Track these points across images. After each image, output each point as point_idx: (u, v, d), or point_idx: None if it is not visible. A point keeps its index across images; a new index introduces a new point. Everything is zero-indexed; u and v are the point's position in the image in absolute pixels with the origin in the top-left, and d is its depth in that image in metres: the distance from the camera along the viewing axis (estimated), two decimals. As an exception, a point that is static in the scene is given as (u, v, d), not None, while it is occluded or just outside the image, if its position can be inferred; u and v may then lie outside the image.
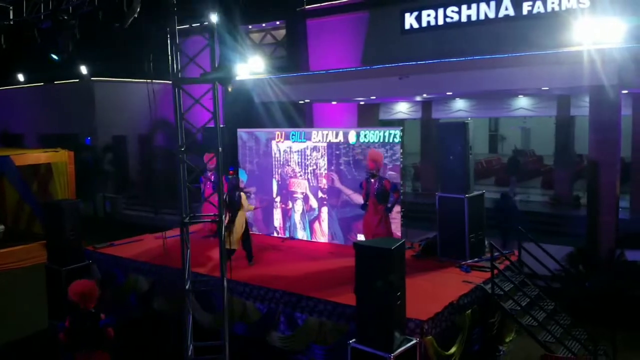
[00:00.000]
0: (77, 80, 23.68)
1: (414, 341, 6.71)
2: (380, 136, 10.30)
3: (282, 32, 24.29)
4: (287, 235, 11.91)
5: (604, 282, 11.02)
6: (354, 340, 6.77)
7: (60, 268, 10.26)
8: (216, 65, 6.26)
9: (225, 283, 6.72)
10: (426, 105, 20.18)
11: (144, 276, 10.23)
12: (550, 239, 12.13)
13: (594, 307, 9.66)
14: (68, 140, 22.54)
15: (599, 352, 7.96)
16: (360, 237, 10.78)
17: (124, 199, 21.75)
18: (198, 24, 7.64)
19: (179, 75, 6.71)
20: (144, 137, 25.19)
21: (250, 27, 24.12)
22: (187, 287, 6.77)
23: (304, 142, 11.71)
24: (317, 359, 7.98)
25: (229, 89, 24.20)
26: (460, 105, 19.34)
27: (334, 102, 20.15)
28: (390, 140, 10.28)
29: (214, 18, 15.92)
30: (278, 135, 12.18)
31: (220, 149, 6.76)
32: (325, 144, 11.15)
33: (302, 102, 19.43)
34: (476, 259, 9.57)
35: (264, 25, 23.91)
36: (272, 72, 19.14)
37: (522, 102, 18.24)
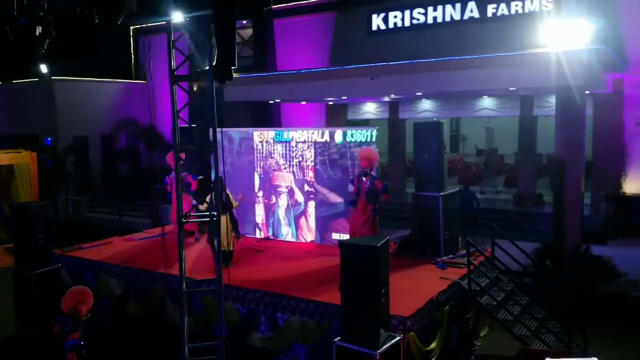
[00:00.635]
0: (37, 79, 22.92)
1: (397, 338, 6.78)
2: (367, 135, 10.35)
3: (249, 31, 24.16)
4: (271, 233, 11.79)
5: (571, 276, 11.35)
6: (338, 338, 6.81)
7: (29, 272, 9.96)
8: (213, 62, 6.14)
9: (222, 286, 6.63)
10: (393, 106, 20.39)
11: (116, 279, 10.02)
12: (515, 235, 12.40)
13: (563, 300, 9.93)
14: (27, 140, 21.83)
15: (572, 345, 8.20)
16: (336, 236, 10.86)
17: (87, 200, 21.21)
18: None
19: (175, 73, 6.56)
20: (106, 137, 24.71)
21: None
22: (183, 288, 6.63)
23: (288, 141, 11.62)
24: (299, 358, 7.98)
25: (195, 88, 23.66)
26: (426, 105, 19.62)
27: (303, 102, 20.16)
28: (368, 140, 10.37)
29: (178, 17, 15.65)
30: (261, 134, 12.06)
31: (220, 150, 6.65)
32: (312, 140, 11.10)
33: (271, 101, 19.37)
34: (451, 256, 9.74)
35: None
36: (238, 72, 18.96)
37: (487, 103, 18.63)
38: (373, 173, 9.72)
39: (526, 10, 17.08)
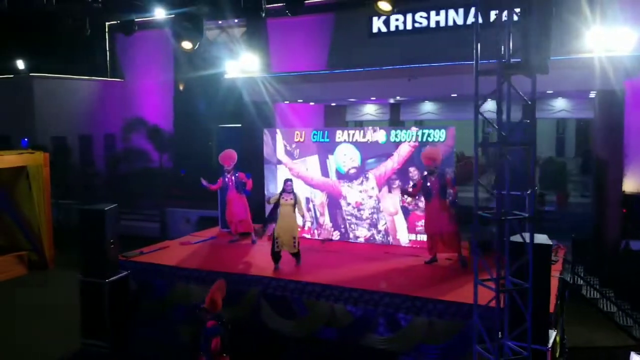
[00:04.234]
0: (12, 75, 21.43)
1: (555, 332, 6.93)
2: (413, 135, 10.68)
3: (238, 30, 23.67)
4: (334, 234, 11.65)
5: (614, 271, 11.96)
6: (500, 337, 6.84)
7: (102, 281, 9.34)
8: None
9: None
10: (394, 107, 20.63)
11: (198, 285, 9.54)
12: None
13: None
14: (-1, 142, 20.44)
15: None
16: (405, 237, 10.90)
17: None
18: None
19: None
20: (84, 138, 23.50)
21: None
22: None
23: (327, 141, 11.57)
24: (428, 358, 7.93)
25: (181, 87, 23.00)
26: (428, 107, 20.00)
27: (312, 103, 20.00)
28: (435, 139, 10.51)
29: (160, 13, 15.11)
30: (297, 134, 11.94)
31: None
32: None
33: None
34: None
35: (220, 22, 23.13)
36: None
37: (488, 106, 19.13)
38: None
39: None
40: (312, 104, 19.95)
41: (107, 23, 24.98)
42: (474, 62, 6.12)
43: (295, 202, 9.67)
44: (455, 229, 9.62)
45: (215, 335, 7.20)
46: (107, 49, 25.32)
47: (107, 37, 25.27)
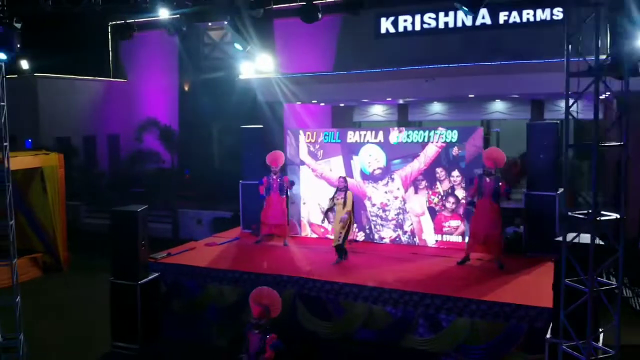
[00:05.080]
0: (16, 75, 21.10)
1: (601, 329, 6.97)
2: (424, 136, 10.85)
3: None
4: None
5: (636, 270, 12.06)
6: (550, 336, 6.88)
7: (134, 283, 9.24)
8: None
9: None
10: (402, 108, 20.63)
11: (231, 286, 9.48)
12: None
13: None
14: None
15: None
16: (430, 237, 10.93)
17: (85, 206, 19.76)
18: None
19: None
20: (88, 138, 23.29)
21: (209, 24, 23.21)
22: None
23: (339, 142, 11.57)
24: (470, 358, 7.94)
25: (186, 88, 22.84)
26: (437, 108, 20.00)
27: (322, 104, 19.99)
28: (448, 140, 10.63)
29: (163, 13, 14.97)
30: (308, 135, 11.93)
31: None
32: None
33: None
34: (562, 253, 10.04)
35: (225, 22, 22.98)
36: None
37: (498, 107, 19.29)
38: None
39: (537, 19, 18.04)
40: (322, 104, 19.93)
41: (110, 23, 24.78)
42: (564, 60, 6.08)
43: (345, 201, 9.82)
44: (499, 233, 9.61)
45: (278, 349, 7.15)
46: (110, 49, 25.10)
47: (109, 37, 25.05)
